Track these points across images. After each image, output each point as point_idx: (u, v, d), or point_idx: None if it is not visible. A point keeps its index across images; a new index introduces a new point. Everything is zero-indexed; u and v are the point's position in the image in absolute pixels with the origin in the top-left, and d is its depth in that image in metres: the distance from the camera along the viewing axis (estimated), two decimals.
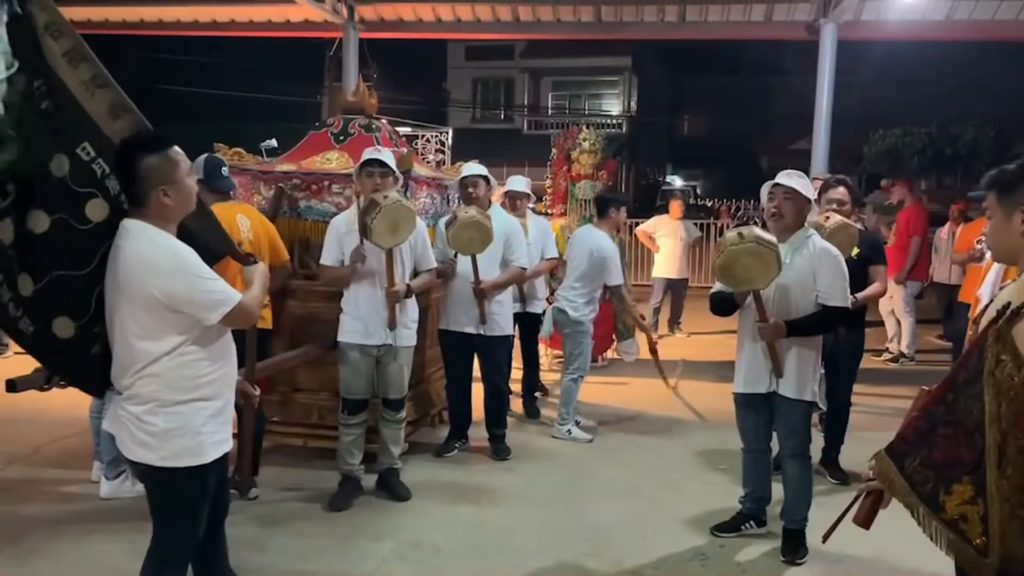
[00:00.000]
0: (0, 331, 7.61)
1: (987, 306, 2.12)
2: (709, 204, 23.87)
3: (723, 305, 3.86)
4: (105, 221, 2.44)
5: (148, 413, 2.51)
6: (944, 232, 8.80)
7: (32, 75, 2.33)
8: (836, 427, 4.89)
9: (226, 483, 2.95)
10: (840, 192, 4.68)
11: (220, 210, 3.54)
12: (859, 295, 4.51)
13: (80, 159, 2.39)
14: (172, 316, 2.46)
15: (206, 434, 2.58)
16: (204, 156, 4.27)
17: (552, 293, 7.41)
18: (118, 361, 2.53)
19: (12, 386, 3.82)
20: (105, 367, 2.55)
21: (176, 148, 2.53)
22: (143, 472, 2.61)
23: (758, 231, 3.53)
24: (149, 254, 2.43)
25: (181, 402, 2.52)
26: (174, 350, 2.49)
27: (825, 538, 2.39)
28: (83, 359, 2.53)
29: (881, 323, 8.50)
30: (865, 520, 2.15)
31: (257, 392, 3.26)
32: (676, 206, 9.30)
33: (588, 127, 8.06)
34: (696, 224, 11.75)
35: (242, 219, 4.22)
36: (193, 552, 2.72)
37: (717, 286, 3.88)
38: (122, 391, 2.54)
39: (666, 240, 9.18)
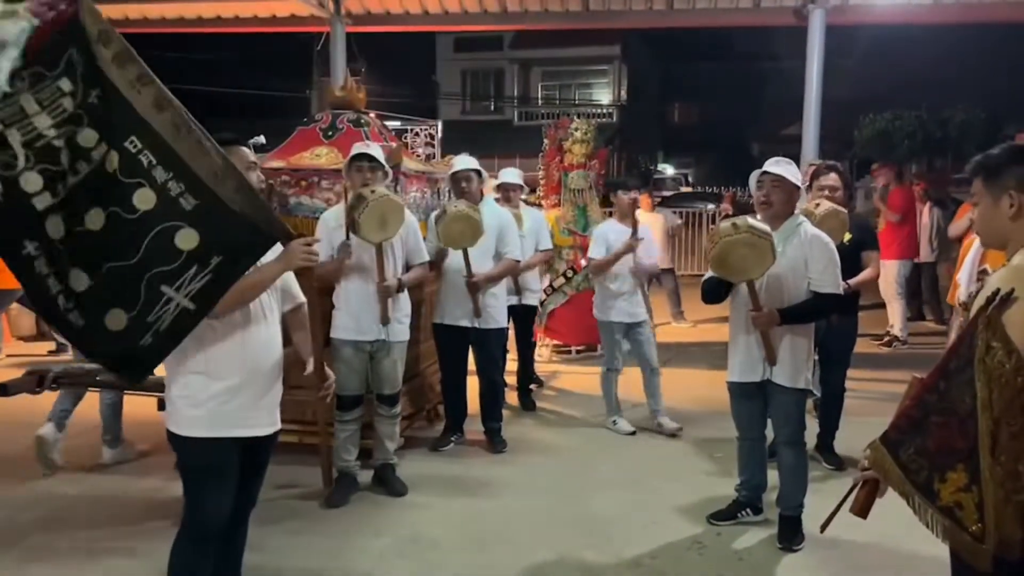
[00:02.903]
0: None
1: (973, 292, 2.12)
2: (711, 191, 23.86)
3: (714, 292, 3.86)
4: (151, 210, 2.49)
5: (168, 378, 2.71)
6: (925, 217, 8.99)
7: (88, 86, 2.45)
8: (831, 413, 4.90)
9: (254, 495, 2.99)
10: (832, 179, 4.67)
11: None
12: (851, 281, 4.51)
13: (128, 151, 2.48)
14: None
15: (214, 410, 2.67)
16: None
17: (550, 284, 7.43)
18: None
19: (4, 390, 3.81)
20: (153, 356, 2.58)
21: (241, 146, 2.83)
22: (169, 440, 2.76)
23: (752, 221, 3.52)
24: None
25: (189, 372, 2.66)
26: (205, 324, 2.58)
27: (823, 529, 2.39)
28: (132, 349, 2.54)
29: (880, 306, 8.54)
30: (862, 510, 2.15)
31: (331, 379, 3.25)
32: (644, 200, 9.19)
33: (579, 117, 8.05)
34: (676, 212, 11.79)
35: None
36: (214, 531, 2.78)
37: (708, 273, 3.88)
38: None
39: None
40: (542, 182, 8.02)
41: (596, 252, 5.45)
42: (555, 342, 7.89)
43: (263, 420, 2.82)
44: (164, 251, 2.47)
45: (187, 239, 2.49)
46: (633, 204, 5.49)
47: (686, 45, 31.47)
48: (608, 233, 5.49)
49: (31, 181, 2.38)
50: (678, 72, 37.87)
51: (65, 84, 2.42)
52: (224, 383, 2.69)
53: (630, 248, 5.30)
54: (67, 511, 4.19)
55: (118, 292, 2.48)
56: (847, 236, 4.49)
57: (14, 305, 7.94)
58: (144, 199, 2.48)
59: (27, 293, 2.53)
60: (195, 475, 2.76)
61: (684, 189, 28.91)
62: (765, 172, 3.77)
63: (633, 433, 5.46)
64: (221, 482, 2.74)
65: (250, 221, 2.59)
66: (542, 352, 7.76)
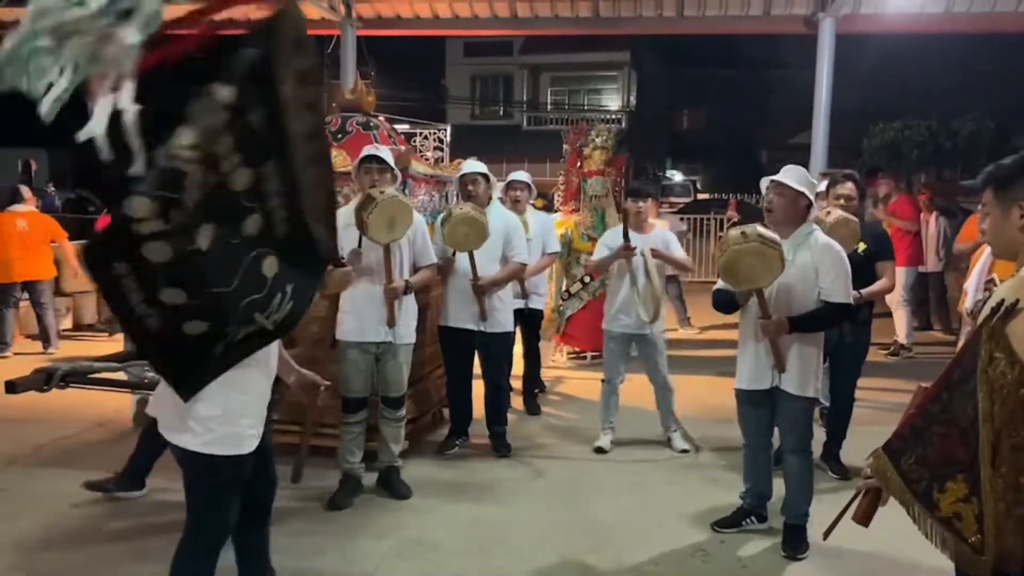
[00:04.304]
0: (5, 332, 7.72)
1: (979, 301, 2.12)
2: (719, 197, 23.78)
3: (726, 302, 3.86)
4: (253, 236, 2.33)
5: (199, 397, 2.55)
6: (932, 226, 8.96)
7: (255, 101, 2.22)
8: (838, 423, 4.88)
9: (272, 478, 3.05)
10: (848, 188, 4.66)
11: None
12: (864, 291, 4.48)
13: (261, 175, 2.30)
14: None
15: (244, 425, 2.67)
16: None
17: (566, 290, 7.43)
18: None
19: (11, 387, 3.84)
20: (219, 367, 2.48)
21: None
22: (182, 457, 2.68)
23: (761, 229, 3.51)
24: None
25: (216, 391, 2.56)
26: None
27: (826, 536, 2.39)
28: (203, 357, 2.44)
29: (887, 315, 8.52)
30: (864, 518, 2.15)
31: (326, 384, 3.27)
32: (651, 207, 9.17)
33: (599, 123, 8.08)
34: (682, 219, 11.78)
35: None
36: (223, 543, 2.79)
37: (720, 283, 3.87)
38: None
39: None
40: (561, 187, 8.04)
41: (598, 256, 5.37)
42: (570, 348, 7.89)
43: (262, 426, 2.82)
44: (255, 278, 2.34)
45: (271, 266, 2.37)
46: (637, 214, 5.24)
47: (695, 52, 31.52)
48: (613, 242, 5.29)
49: (139, 206, 2.13)
50: (687, 79, 37.86)
51: (224, 92, 2.16)
52: (251, 395, 2.70)
53: (622, 255, 5.08)
54: (68, 511, 4.21)
55: (211, 312, 2.33)
56: (861, 246, 4.48)
57: (23, 304, 8.03)
58: (253, 225, 2.32)
59: (106, 298, 2.36)
60: (216, 491, 2.72)
61: (701, 196, 28.73)
62: (771, 180, 3.78)
63: (603, 451, 5.23)
64: (237, 494, 2.77)
65: (320, 249, 2.50)
66: (556, 357, 7.76)
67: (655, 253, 5.16)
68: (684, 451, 5.25)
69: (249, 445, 2.70)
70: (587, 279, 7.47)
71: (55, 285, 8.75)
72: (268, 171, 2.29)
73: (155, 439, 4.17)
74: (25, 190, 8.34)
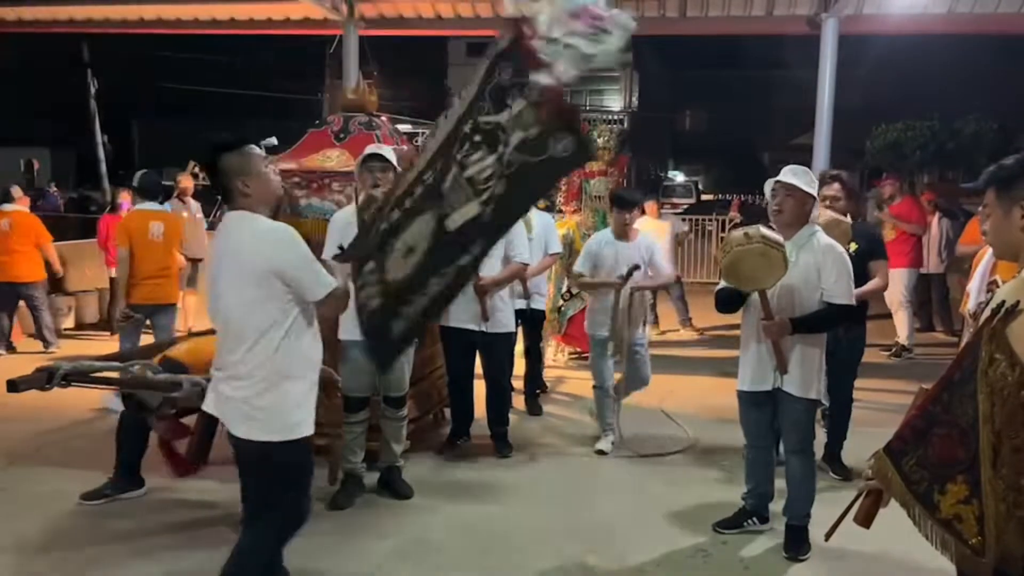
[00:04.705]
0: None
1: (982, 303, 2.11)
2: (723, 198, 23.76)
3: (728, 302, 3.85)
4: (461, 227, 2.83)
5: (254, 390, 2.74)
6: (934, 227, 8.96)
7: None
8: (838, 423, 4.88)
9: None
10: (834, 188, 4.65)
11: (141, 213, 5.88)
12: (858, 291, 4.48)
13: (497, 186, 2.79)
14: (277, 290, 2.71)
15: (305, 410, 2.84)
16: (142, 172, 6.43)
17: (567, 290, 7.42)
18: (224, 340, 2.80)
19: (13, 386, 3.84)
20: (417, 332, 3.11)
21: (251, 145, 2.89)
22: (251, 449, 2.79)
23: (764, 230, 3.51)
24: (263, 231, 2.76)
25: (284, 379, 2.76)
26: (277, 326, 2.73)
27: (827, 537, 2.39)
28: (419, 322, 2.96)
29: (888, 316, 8.51)
30: (865, 519, 2.15)
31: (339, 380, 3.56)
32: (651, 207, 9.16)
33: (601, 123, 8.07)
34: (684, 220, 11.78)
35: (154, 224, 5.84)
36: (296, 531, 2.93)
37: (722, 283, 3.87)
38: (226, 368, 2.79)
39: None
40: (563, 188, 8.04)
41: (581, 266, 5.29)
42: (570, 348, 7.88)
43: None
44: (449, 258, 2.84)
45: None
46: (624, 225, 5.18)
47: (697, 52, 31.50)
48: (598, 248, 5.24)
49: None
50: (689, 79, 37.91)
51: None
52: (308, 381, 2.86)
53: (614, 285, 5.05)
54: (69, 511, 4.21)
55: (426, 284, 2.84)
56: (853, 246, 4.47)
57: (21, 303, 8.02)
58: (464, 214, 2.79)
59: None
60: (295, 475, 2.87)
61: (706, 197, 28.66)
62: (779, 181, 3.76)
63: (604, 453, 5.22)
64: (308, 479, 2.95)
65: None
66: (557, 358, 7.75)
67: (638, 287, 5.13)
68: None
69: (305, 430, 2.83)
70: None
71: (56, 285, 8.76)
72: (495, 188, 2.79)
73: (133, 435, 4.21)
74: (16, 190, 8.14)
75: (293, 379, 2.79)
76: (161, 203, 6.56)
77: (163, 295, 6.08)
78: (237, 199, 2.82)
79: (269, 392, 2.75)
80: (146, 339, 6.09)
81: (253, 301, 2.72)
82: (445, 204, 2.80)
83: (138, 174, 6.59)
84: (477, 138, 2.77)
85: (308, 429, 2.85)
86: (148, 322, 6.06)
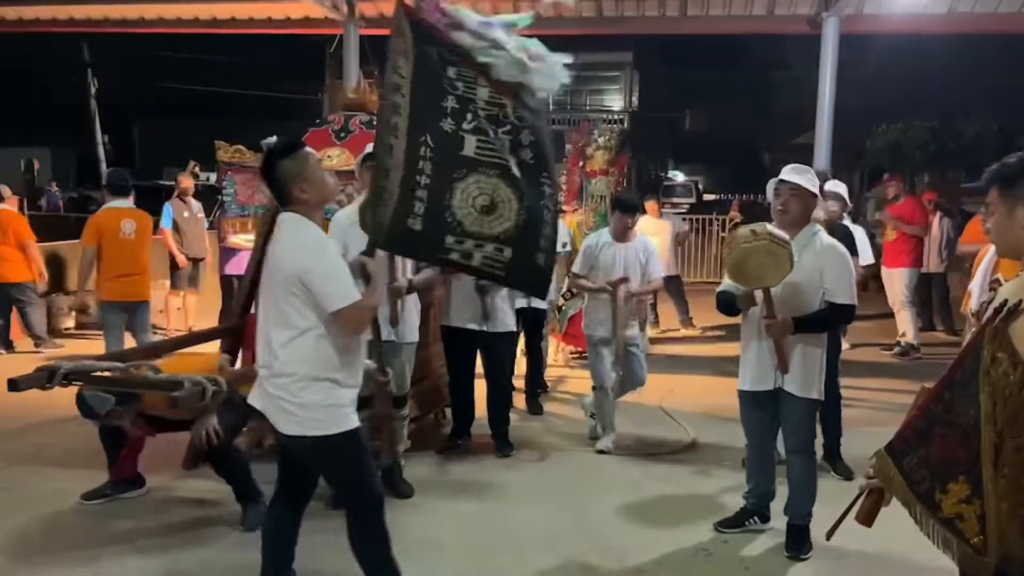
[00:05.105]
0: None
1: (984, 302, 2.11)
2: (725, 198, 23.74)
3: (730, 304, 3.84)
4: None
5: (298, 387, 2.81)
6: (935, 227, 8.96)
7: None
8: (831, 420, 4.85)
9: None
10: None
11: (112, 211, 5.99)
12: None
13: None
14: (309, 293, 2.78)
15: (347, 405, 2.91)
16: (111, 170, 6.25)
17: (568, 290, 7.41)
18: (265, 338, 2.87)
19: (14, 385, 3.82)
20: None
21: (307, 148, 2.98)
22: (299, 446, 2.88)
23: (771, 228, 3.50)
24: (301, 236, 2.85)
25: (323, 379, 2.83)
26: (315, 326, 2.79)
27: (829, 536, 2.38)
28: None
29: (889, 315, 8.51)
30: (866, 518, 2.15)
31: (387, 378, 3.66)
32: (651, 206, 9.15)
33: (602, 123, 8.08)
34: (684, 219, 11.77)
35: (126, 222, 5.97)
36: (383, 508, 3.10)
37: (724, 284, 3.86)
38: (269, 367, 2.85)
39: (654, 240, 9.12)
40: (564, 187, 8.04)
41: (578, 267, 5.29)
42: (570, 347, 7.87)
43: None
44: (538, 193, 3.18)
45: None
46: (626, 229, 5.19)
47: (698, 52, 31.48)
48: (595, 250, 5.22)
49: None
50: (690, 79, 37.86)
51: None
52: (351, 383, 2.94)
53: (606, 291, 5.05)
54: (70, 511, 4.21)
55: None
56: None
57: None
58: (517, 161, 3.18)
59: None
60: (359, 459, 2.97)
61: (707, 197, 28.61)
62: (783, 180, 3.76)
63: (605, 452, 5.21)
64: (370, 462, 3.05)
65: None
66: (558, 358, 7.75)
67: (632, 295, 5.11)
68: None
69: (346, 424, 2.89)
70: None
71: (57, 284, 8.76)
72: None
73: (111, 432, 4.18)
74: (5, 189, 8.00)
75: (333, 377, 2.85)
76: (142, 199, 6.57)
77: (137, 292, 6.10)
78: (294, 203, 2.89)
79: (307, 390, 2.81)
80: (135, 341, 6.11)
81: (289, 302, 2.79)
82: (492, 159, 3.05)
83: (107, 171, 6.61)
84: (491, 110, 3.13)
85: (350, 423, 2.89)
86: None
